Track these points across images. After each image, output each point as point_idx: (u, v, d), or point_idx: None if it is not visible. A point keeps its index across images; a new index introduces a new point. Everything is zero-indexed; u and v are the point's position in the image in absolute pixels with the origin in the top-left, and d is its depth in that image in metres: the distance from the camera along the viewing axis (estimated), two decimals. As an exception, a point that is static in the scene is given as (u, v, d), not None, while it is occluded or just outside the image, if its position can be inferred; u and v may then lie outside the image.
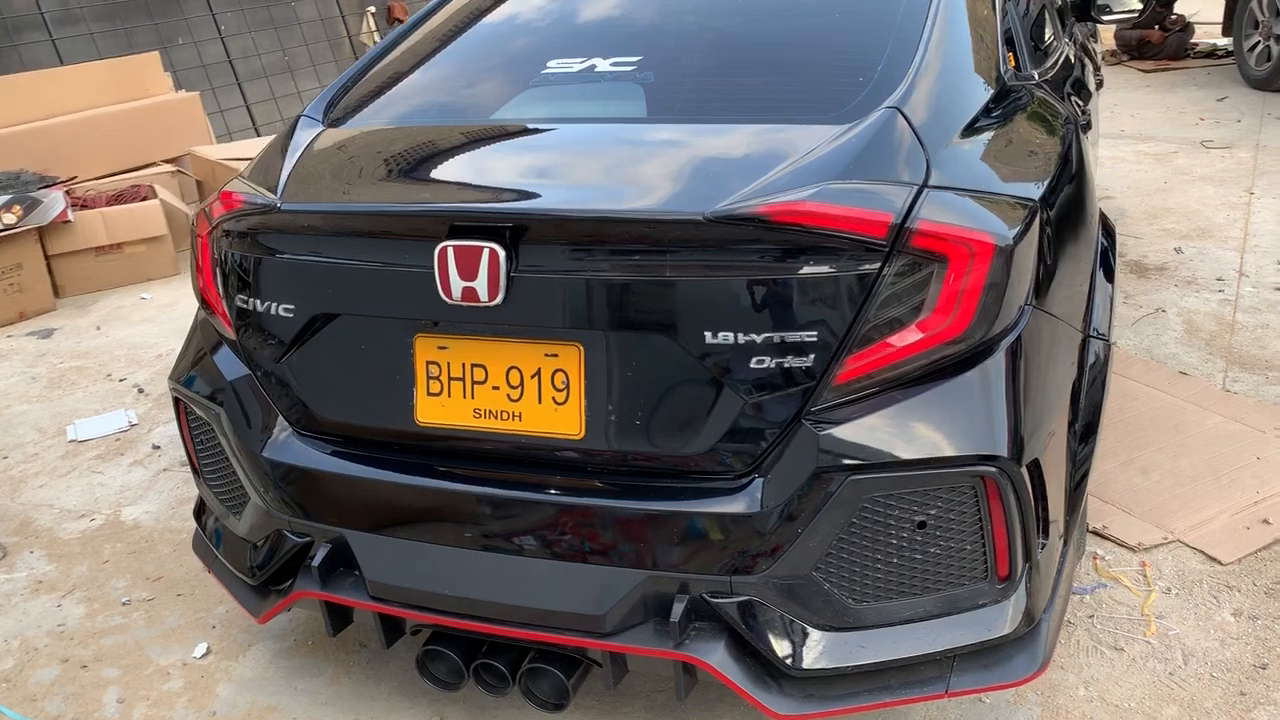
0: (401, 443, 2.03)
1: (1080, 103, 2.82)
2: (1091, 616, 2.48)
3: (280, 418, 2.14)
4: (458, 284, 1.83)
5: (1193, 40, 8.90)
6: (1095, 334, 2.23)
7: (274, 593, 2.22)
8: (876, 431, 1.77)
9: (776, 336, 1.75)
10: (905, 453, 1.76)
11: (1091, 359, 2.20)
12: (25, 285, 5.19)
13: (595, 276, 1.80)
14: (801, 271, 1.73)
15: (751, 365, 1.76)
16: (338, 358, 2.04)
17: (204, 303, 2.28)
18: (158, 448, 3.73)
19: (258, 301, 2.09)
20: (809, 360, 1.75)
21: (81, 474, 3.59)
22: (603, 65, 2.28)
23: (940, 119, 1.99)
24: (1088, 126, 2.64)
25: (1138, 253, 4.73)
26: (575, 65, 2.30)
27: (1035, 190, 1.98)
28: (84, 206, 5.50)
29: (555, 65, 2.34)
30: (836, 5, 2.39)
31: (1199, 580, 2.57)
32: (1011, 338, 1.85)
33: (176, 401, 2.37)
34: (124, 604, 2.85)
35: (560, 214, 1.81)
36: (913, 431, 1.78)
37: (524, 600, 1.93)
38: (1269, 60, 7.41)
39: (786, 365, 1.76)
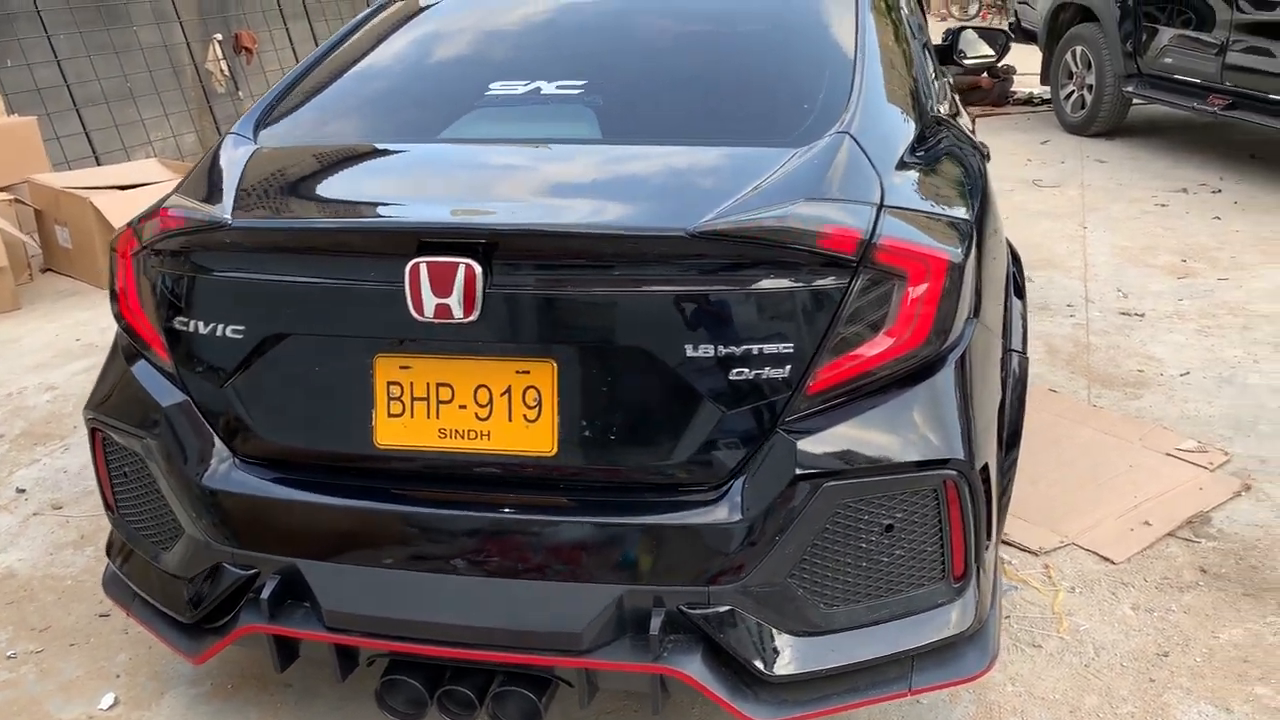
0: (360, 466, 1.98)
1: (971, 134, 3.02)
2: (1008, 617, 2.62)
3: (219, 445, 2.04)
4: (430, 301, 1.80)
5: (1013, 88, 9.59)
6: (1013, 349, 2.39)
7: (211, 631, 2.10)
8: (848, 439, 1.84)
9: (754, 348, 1.80)
10: (875, 459, 1.84)
11: (1016, 372, 2.35)
12: None
13: (573, 292, 1.81)
14: (775, 285, 1.80)
15: (729, 377, 1.81)
16: (290, 380, 1.97)
17: (127, 327, 2.16)
18: (22, 491, 3.47)
19: (200, 324, 1.99)
20: (784, 371, 1.81)
21: (-62, 521, 3.30)
22: (547, 88, 2.30)
23: (883, 145, 2.10)
24: (988, 156, 2.82)
25: (993, 281, 5.04)
26: (518, 88, 2.31)
27: (969, 212, 2.11)
28: (-87, 236, 5.08)
29: (498, 87, 2.34)
30: (768, 36, 2.49)
31: (1098, 579, 2.76)
32: (960, 349, 1.96)
33: (94, 433, 2.22)
34: (9, 658, 2.63)
35: (540, 229, 1.82)
36: (881, 438, 1.86)
37: (497, 621, 1.90)
38: (1083, 108, 8.06)
39: (763, 376, 1.81)
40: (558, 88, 2.30)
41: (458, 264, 1.79)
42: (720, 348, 1.80)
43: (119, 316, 2.18)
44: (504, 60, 2.50)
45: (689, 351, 1.80)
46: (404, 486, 1.96)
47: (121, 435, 2.14)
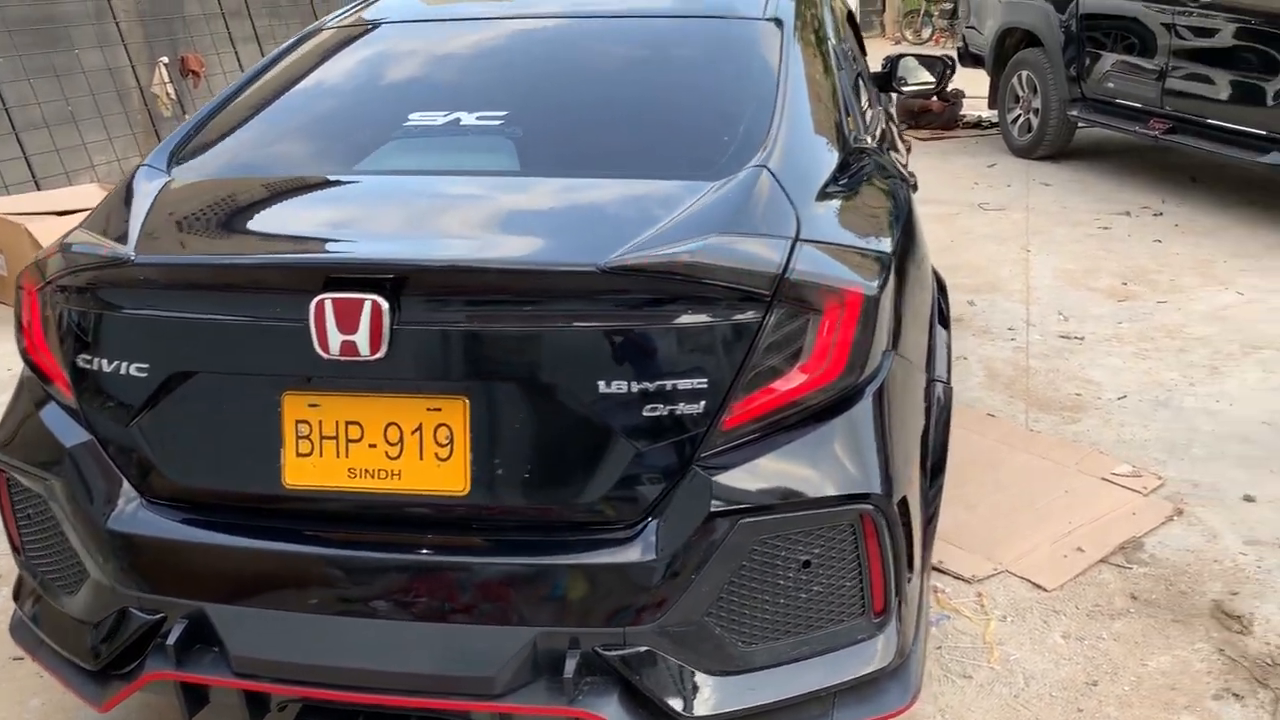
0: (268, 507, 1.93)
1: (903, 164, 3.03)
2: (939, 647, 2.61)
3: (126, 485, 1.99)
4: (336, 338, 1.77)
5: (962, 112, 9.71)
6: (937, 378, 2.38)
7: (117, 677, 2.04)
8: (763, 474, 1.83)
9: (668, 384, 1.78)
10: (791, 494, 1.83)
11: (938, 402, 2.35)
12: None
13: (484, 328, 1.79)
14: (688, 321, 1.78)
15: (643, 413, 1.78)
16: (196, 419, 1.93)
17: (32, 365, 2.10)
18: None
19: (104, 361, 1.94)
20: (698, 407, 1.79)
21: None
22: (468, 119, 2.27)
23: (801, 178, 2.09)
24: (915, 186, 2.83)
25: (937, 305, 5.08)
26: (439, 118, 2.29)
27: (887, 244, 2.11)
28: None
29: (418, 118, 2.31)
30: (691, 69, 2.48)
31: (1030, 607, 2.76)
32: (878, 382, 1.95)
33: (-2, 473, 2.16)
34: (-84, 705, 2.55)
35: (447, 265, 1.79)
36: (796, 473, 1.85)
37: (409, 666, 1.86)
38: (1030, 131, 8.16)
39: (678, 412, 1.79)
40: (478, 119, 2.27)
41: (364, 300, 1.75)
42: (633, 384, 1.77)
43: (24, 353, 2.12)
44: (425, 91, 2.47)
45: (602, 388, 1.77)
46: (313, 528, 1.92)
47: (25, 476, 2.08)
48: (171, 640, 1.93)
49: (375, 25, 2.79)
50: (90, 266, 1.92)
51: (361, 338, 1.76)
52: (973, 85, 9.69)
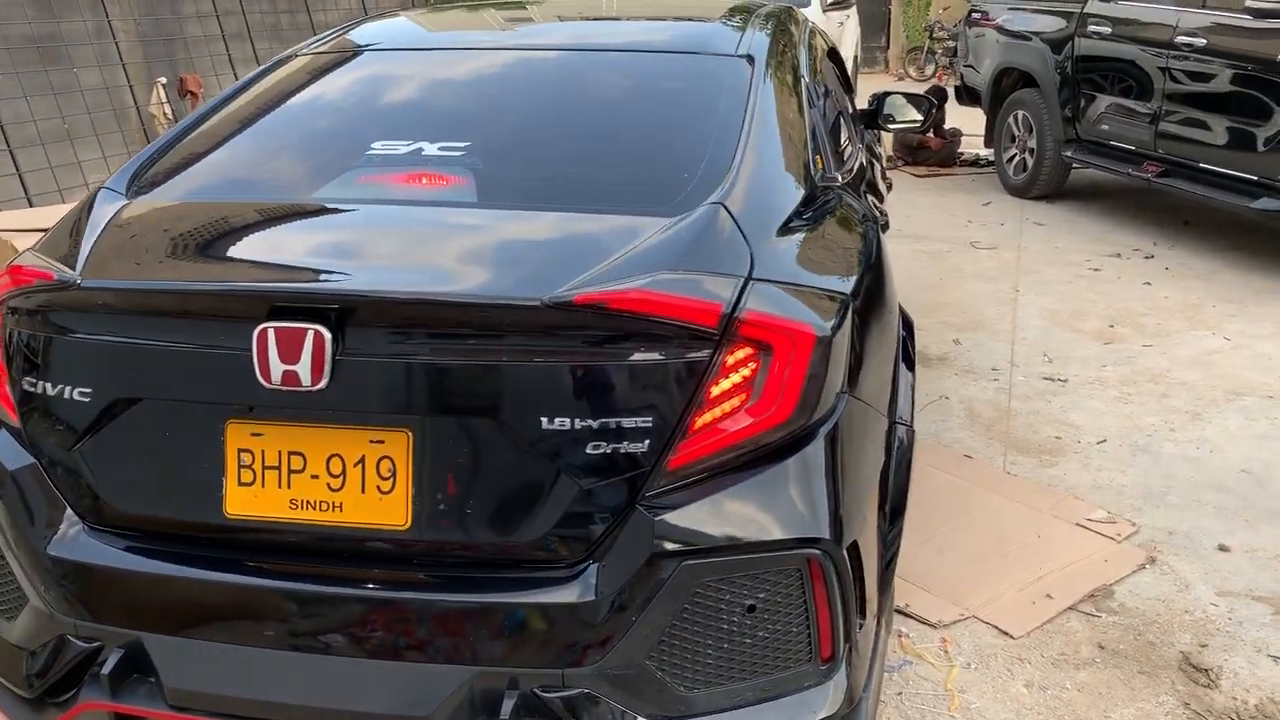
0: (208, 537, 1.90)
1: (876, 203, 3.02)
2: (900, 694, 2.57)
3: (68, 511, 1.96)
4: (278, 367, 1.75)
5: (960, 150, 9.72)
6: (899, 420, 2.36)
7: (53, 705, 2.00)
8: (708, 516, 1.80)
9: (611, 422, 1.75)
10: (736, 536, 1.80)
11: (896, 444, 2.32)
12: None
13: (426, 361, 1.77)
14: (635, 358, 1.76)
15: (586, 451, 1.76)
16: (139, 445, 1.91)
17: (-18, 386, 2.08)
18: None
19: (48, 384, 1.92)
20: (643, 446, 1.77)
21: None
22: (430, 149, 2.26)
23: (760, 216, 2.07)
24: (886, 226, 2.82)
25: (920, 343, 5.05)
26: (401, 148, 2.28)
27: (846, 284, 2.09)
28: None
29: (380, 147, 2.30)
30: (658, 104, 2.48)
31: (994, 654, 2.72)
32: (830, 424, 1.92)
33: (-60, 496, 2.13)
34: None
35: (391, 296, 1.77)
36: (742, 515, 1.82)
37: (344, 704, 1.83)
38: (1025, 170, 8.17)
39: (621, 451, 1.76)
40: (440, 149, 2.26)
41: (306, 330, 1.73)
42: (577, 420, 1.75)
43: (-24, 375, 2.10)
44: (391, 120, 2.46)
45: (545, 424, 1.75)
46: (253, 559, 1.89)
47: (-31, 498, 2.05)
48: (106, 670, 1.90)
49: (349, 53, 2.79)
50: (35, 290, 1.91)
51: (303, 368, 1.74)
52: (972, 123, 9.72)
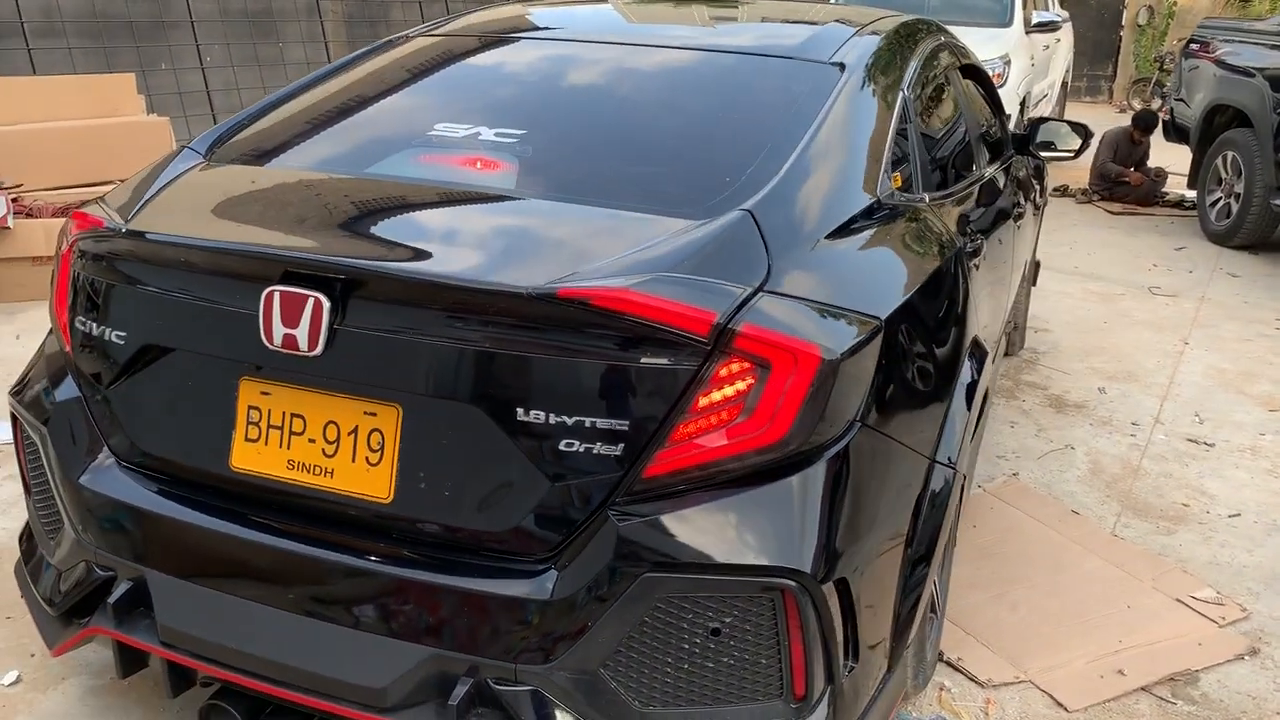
0: (213, 486, 1.98)
1: (980, 231, 2.84)
2: (923, 750, 2.41)
3: (102, 446, 2.09)
4: (279, 330, 1.80)
5: (1164, 189, 9.08)
6: (944, 461, 2.20)
7: (72, 625, 2.14)
8: (679, 531, 1.73)
9: (588, 421, 1.71)
10: (703, 556, 1.73)
11: (937, 486, 2.17)
12: (-47, 286, 5.14)
13: (417, 339, 1.77)
14: (619, 359, 1.71)
15: (560, 448, 1.73)
16: (164, 391, 2.00)
17: (54, 320, 2.24)
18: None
19: (94, 325, 2.05)
20: (618, 450, 1.72)
21: (-48, 481, 3.50)
22: (487, 134, 2.28)
23: (795, 227, 1.99)
24: (975, 253, 2.64)
25: (1061, 388, 4.74)
26: (460, 131, 2.30)
27: (884, 308, 1.97)
28: (29, 215, 5.48)
29: (441, 129, 2.34)
30: (726, 107, 2.40)
31: (1040, 725, 2.51)
32: (833, 452, 1.82)
33: (14, 418, 2.31)
34: (-50, 621, 2.75)
35: (383, 272, 1.79)
36: (716, 535, 1.74)
37: (307, 664, 1.86)
38: (1229, 217, 7.55)
39: (595, 452, 1.72)
40: (496, 134, 2.27)
41: (307, 296, 1.78)
42: (553, 415, 1.72)
43: (51, 309, 2.26)
44: (461, 104, 2.49)
45: (521, 415, 1.73)
46: (249, 512, 1.95)
47: (28, 424, 2.21)
48: (113, 599, 2.01)
49: (450, 39, 2.84)
50: (92, 235, 2.03)
51: (302, 332, 1.79)
52: (1181, 162, 9.07)
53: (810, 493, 1.79)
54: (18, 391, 2.28)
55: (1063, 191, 9.37)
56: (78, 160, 5.97)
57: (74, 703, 2.45)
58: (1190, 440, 4.21)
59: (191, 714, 2.40)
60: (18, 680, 2.52)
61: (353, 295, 1.79)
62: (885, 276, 2.12)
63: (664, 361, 1.71)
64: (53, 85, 6.13)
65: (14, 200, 5.40)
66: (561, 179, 2.18)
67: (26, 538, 2.40)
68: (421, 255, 1.87)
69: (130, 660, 2.09)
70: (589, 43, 2.73)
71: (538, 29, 2.89)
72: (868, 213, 2.19)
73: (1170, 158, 9.69)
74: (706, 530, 1.74)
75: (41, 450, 2.16)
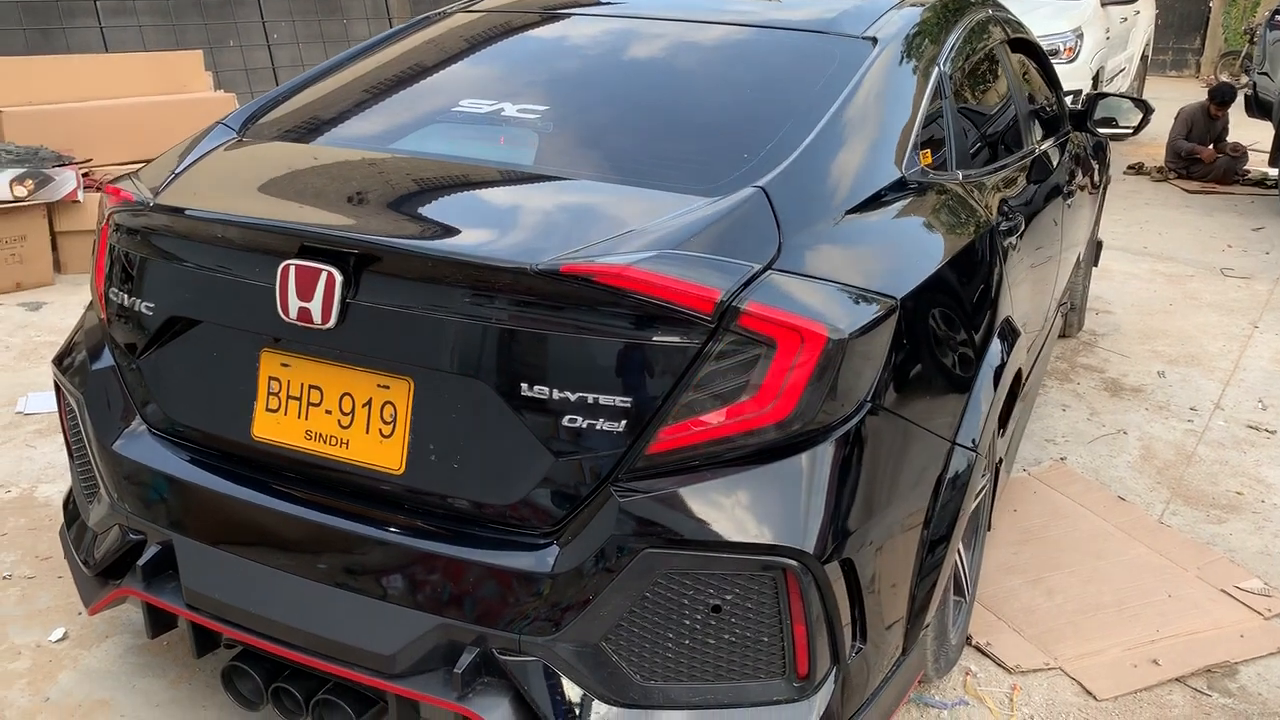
0: (236, 454, 2.04)
1: (1021, 210, 2.77)
2: (943, 734, 2.39)
3: (135, 413, 2.15)
4: (295, 303, 1.84)
5: (1245, 167, 8.75)
6: (966, 444, 2.17)
7: (107, 586, 2.22)
8: (681, 508, 1.73)
9: (591, 397, 1.72)
10: (706, 533, 1.73)
11: (958, 468, 2.14)
12: (26, 257, 5.33)
13: (426, 313, 1.79)
14: (623, 335, 1.71)
15: (564, 423, 1.74)
16: (191, 362, 2.06)
17: (94, 290, 2.31)
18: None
19: (126, 296, 2.11)
20: (621, 426, 1.73)
21: (15, 446, 3.64)
22: (510, 110, 2.29)
23: (810, 204, 1.96)
24: (1011, 231, 2.58)
25: (1119, 370, 4.63)
26: (484, 106, 2.32)
27: (901, 287, 1.94)
28: (98, 189, 5.65)
29: (466, 104, 2.35)
30: (752, 82, 2.38)
31: (1066, 713, 2.47)
32: (842, 432, 1.80)
33: (56, 385, 2.40)
34: (4, 578, 2.87)
35: (391, 247, 1.81)
36: (718, 513, 1.74)
37: (320, 629, 1.91)
38: (1311, 196, 7.26)
39: (599, 428, 1.73)
40: (519, 110, 2.28)
41: (321, 270, 1.81)
42: (557, 391, 1.73)
43: (91, 281, 2.34)
44: (488, 79, 2.51)
45: (525, 390, 1.74)
46: (266, 480, 2.00)
47: (67, 390, 2.29)
48: (142, 561, 2.09)
49: (481, 16, 2.85)
50: (125, 208, 2.09)
51: (315, 306, 1.82)
52: (1264, 138, 8.74)
53: (816, 472, 1.78)
54: (60, 360, 2.36)
55: (1138, 169, 9.10)
56: (146, 136, 6.13)
57: (115, 660, 2.54)
58: (1251, 427, 4.08)
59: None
60: (64, 637, 2.62)
61: (365, 269, 1.82)
62: (907, 255, 2.08)
63: (668, 339, 1.70)
64: (123, 63, 6.30)
65: (85, 175, 5.57)
66: (580, 156, 2.18)
67: (70, 502, 2.49)
68: (432, 230, 1.90)
69: (159, 621, 2.16)
70: (617, 17, 2.72)
71: (567, 5, 2.89)
72: (892, 191, 2.16)
73: (1254, 134, 9.35)
74: (709, 508, 1.74)
75: (79, 417, 2.24)
